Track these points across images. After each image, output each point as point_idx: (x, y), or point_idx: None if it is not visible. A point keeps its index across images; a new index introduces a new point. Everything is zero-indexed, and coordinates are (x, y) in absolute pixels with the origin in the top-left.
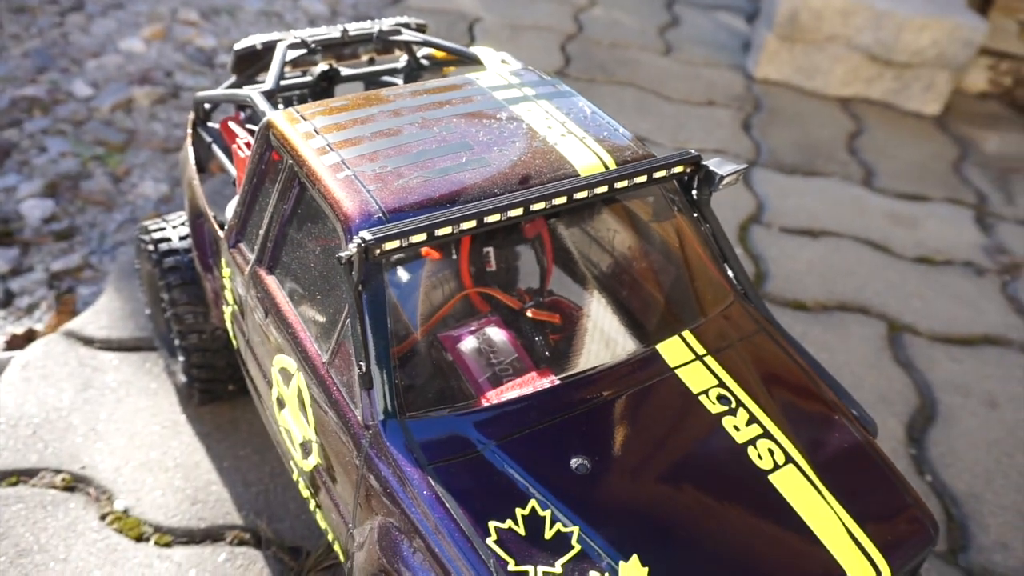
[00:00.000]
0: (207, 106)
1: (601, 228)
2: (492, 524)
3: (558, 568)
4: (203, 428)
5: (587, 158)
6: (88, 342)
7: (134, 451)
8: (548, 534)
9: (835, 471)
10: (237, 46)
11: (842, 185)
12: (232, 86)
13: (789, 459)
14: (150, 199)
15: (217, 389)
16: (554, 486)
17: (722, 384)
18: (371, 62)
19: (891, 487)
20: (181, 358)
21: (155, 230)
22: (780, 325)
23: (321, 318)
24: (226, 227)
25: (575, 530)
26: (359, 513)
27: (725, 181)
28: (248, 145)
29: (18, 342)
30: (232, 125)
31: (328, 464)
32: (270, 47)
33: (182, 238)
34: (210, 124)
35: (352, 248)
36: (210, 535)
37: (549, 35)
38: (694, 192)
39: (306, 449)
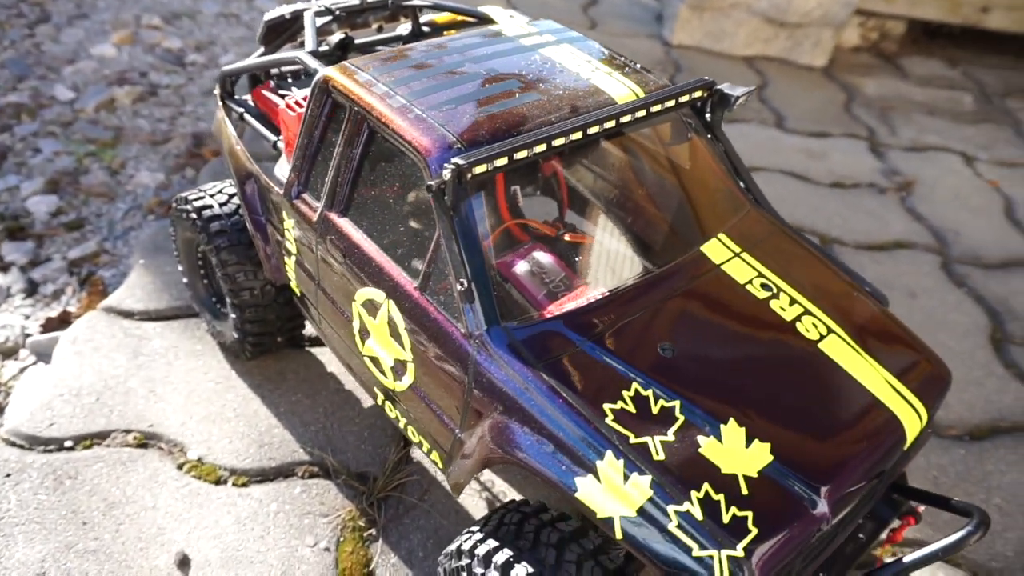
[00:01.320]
0: (232, 80)
1: (617, 159)
2: (606, 407)
3: (671, 436)
4: (254, 380)
5: (619, 89)
6: (128, 315)
7: (194, 406)
8: (655, 409)
9: (866, 336)
10: (267, 16)
11: (760, 128)
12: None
13: (830, 330)
14: (149, 187)
15: (267, 342)
16: (649, 369)
17: (761, 275)
18: (379, 30)
19: (911, 345)
20: (233, 315)
21: (195, 199)
22: (787, 223)
23: (406, 249)
24: (285, 182)
25: (676, 404)
26: (467, 417)
27: (739, 102)
28: (299, 103)
29: (53, 324)
30: (267, 93)
31: (428, 379)
32: (297, 16)
33: (223, 204)
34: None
35: (446, 174)
36: (282, 472)
37: None
38: (707, 115)
39: (398, 371)
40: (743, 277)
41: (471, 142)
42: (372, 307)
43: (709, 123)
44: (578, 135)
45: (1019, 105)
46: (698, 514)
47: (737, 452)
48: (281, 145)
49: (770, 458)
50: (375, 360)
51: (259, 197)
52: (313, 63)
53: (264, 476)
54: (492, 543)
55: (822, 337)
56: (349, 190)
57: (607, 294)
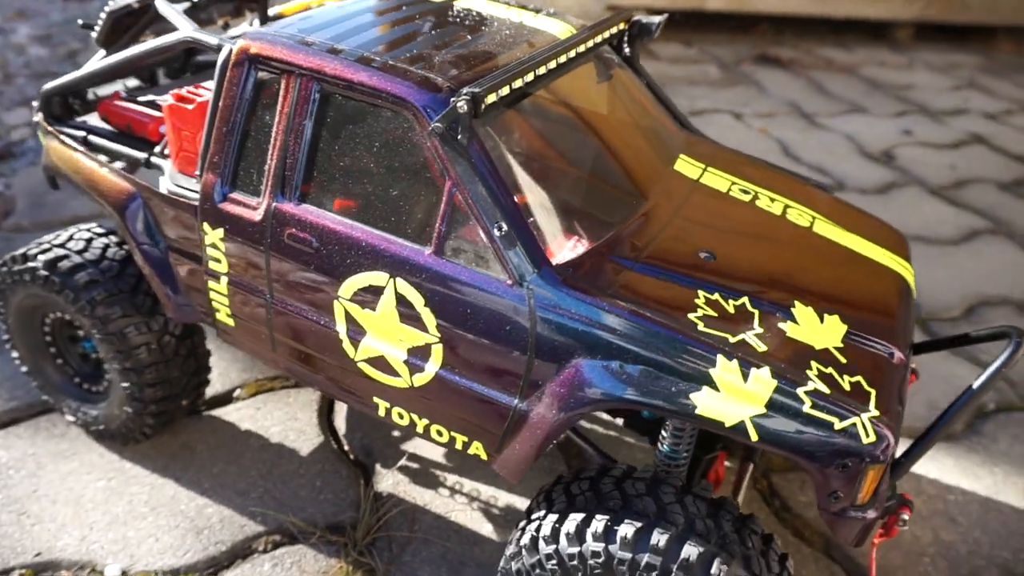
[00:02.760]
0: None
1: (575, 99)
2: (690, 316)
3: (759, 329)
4: (157, 464)
5: (554, 26)
6: None
7: (90, 515)
8: (731, 310)
9: (839, 217)
10: (111, 7)
11: None
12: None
13: (814, 217)
14: None
15: (171, 408)
16: (704, 276)
17: (734, 183)
18: (225, 27)
19: (870, 218)
20: (123, 385)
21: (39, 253)
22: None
23: (400, 217)
24: (200, 188)
25: (744, 300)
26: (528, 380)
27: (658, 30)
28: (192, 94)
29: None
30: (124, 104)
31: (464, 356)
32: (146, 6)
33: (82, 251)
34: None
35: (461, 106)
36: (238, 554)
37: None
38: (627, 50)
39: (416, 361)
40: (722, 187)
41: (460, 82)
42: (369, 296)
43: (629, 58)
44: (564, 58)
45: (752, 69)
46: (824, 389)
47: (817, 329)
48: (158, 160)
49: (844, 327)
50: (377, 360)
51: (153, 221)
52: (214, 39)
53: (217, 565)
54: (576, 517)
55: (812, 223)
56: (304, 172)
57: (628, 220)
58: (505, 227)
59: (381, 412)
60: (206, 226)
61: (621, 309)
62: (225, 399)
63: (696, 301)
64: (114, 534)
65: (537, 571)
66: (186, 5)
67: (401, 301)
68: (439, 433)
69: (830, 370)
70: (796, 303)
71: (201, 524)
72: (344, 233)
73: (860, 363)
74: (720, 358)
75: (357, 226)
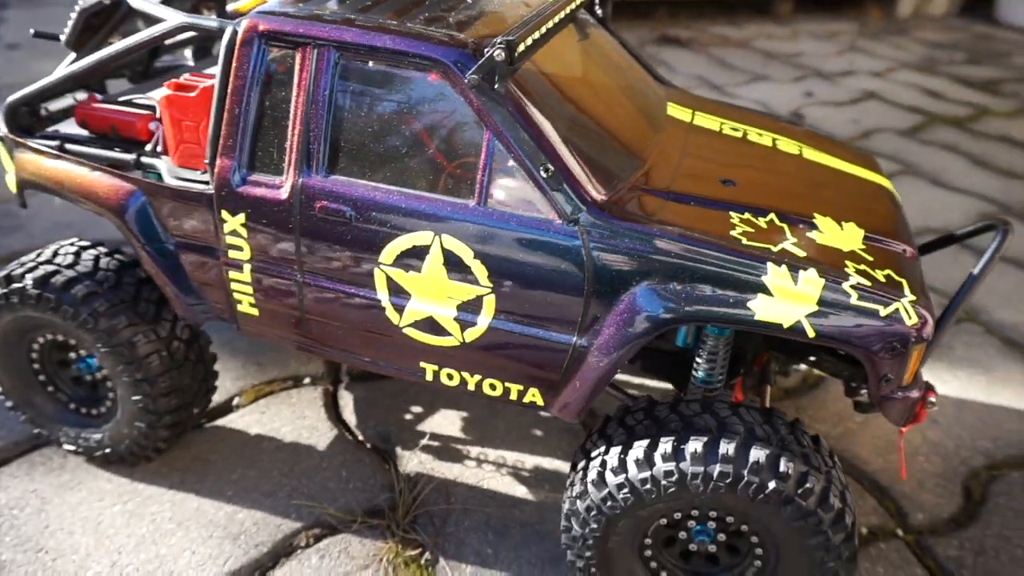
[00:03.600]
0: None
1: (571, 56)
2: (732, 234)
3: (793, 238)
4: (172, 480)
5: None
6: None
7: (115, 539)
8: (763, 225)
9: (817, 144)
10: (83, 4)
11: None
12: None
13: (800, 145)
14: None
15: (185, 418)
16: (730, 200)
17: (723, 122)
18: None
19: (842, 144)
20: (134, 399)
21: (27, 272)
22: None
23: (435, 175)
24: (216, 174)
25: (772, 216)
26: (587, 314)
27: None
28: (189, 82)
29: None
30: (105, 105)
31: (519, 301)
32: (116, 4)
33: (72, 264)
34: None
35: (498, 54)
36: (281, 552)
37: None
38: (599, 11)
39: (467, 316)
40: (714, 126)
41: (480, 37)
42: (412, 258)
43: (601, 19)
44: (564, 13)
45: (656, 50)
46: (865, 282)
47: (839, 234)
48: (150, 159)
49: (861, 231)
50: (425, 322)
51: (158, 219)
52: (213, 21)
53: (263, 567)
54: (641, 444)
55: (800, 151)
56: (330, 144)
57: (647, 158)
58: (551, 168)
59: (429, 376)
60: (225, 213)
61: (672, 234)
62: (225, 409)
63: (731, 220)
64: (146, 554)
65: (608, 504)
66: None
67: (449, 257)
68: (492, 387)
69: (863, 267)
70: (815, 214)
71: (235, 530)
72: (381, 198)
73: (884, 259)
74: (770, 265)
75: (394, 189)
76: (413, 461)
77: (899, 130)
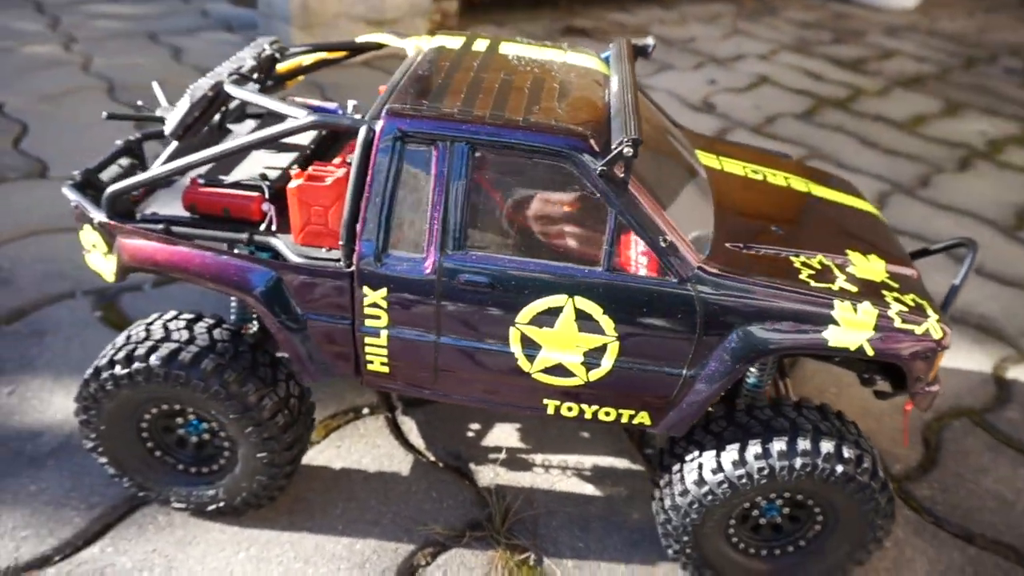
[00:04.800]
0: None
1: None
2: (800, 277)
3: (840, 275)
4: (280, 523)
5: (590, 60)
6: (47, 562)
7: None
8: (817, 266)
9: (814, 178)
10: (195, 97)
11: None
12: (176, 152)
13: (807, 183)
14: None
15: (298, 464)
16: (786, 245)
17: (744, 166)
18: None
19: (830, 175)
20: (259, 455)
21: (148, 352)
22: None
23: (564, 245)
24: (359, 253)
25: (819, 256)
26: (697, 353)
27: (652, 51)
28: (322, 170)
29: None
30: (214, 189)
31: (639, 345)
32: (219, 92)
33: (190, 340)
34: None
35: (627, 151)
36: (406, 573)
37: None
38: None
39: (593, 360)
40: (739, 171)
41: (592, 128)
42: (547, 316)
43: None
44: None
45: (561, 41)
46: (904, 308)
47: (868, 267)
48: (263, 238)
49: (883, 262)
50: (554, 368)
51: (290, 294)
52: (346, 120)
53: None
54: (733, 447)
55: (808, 188)
56: (467, 224)
57: (716, 213)
58: (668, 239)
59: (550, 411)
60: (366, 289)
61: (760, 284)
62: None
63: (795, 265)
64: None
65: (709, 498)
66: (252, 86)
67: (580, 315)
68: (607, 414)
69: (895, 294)
70: (846, 250)
71: (359, 560)
72: (519, 270)
73: (905, 285)
74: (836, 302)
75: (530, 261)
76: (489, 475)
77: (795, 114)
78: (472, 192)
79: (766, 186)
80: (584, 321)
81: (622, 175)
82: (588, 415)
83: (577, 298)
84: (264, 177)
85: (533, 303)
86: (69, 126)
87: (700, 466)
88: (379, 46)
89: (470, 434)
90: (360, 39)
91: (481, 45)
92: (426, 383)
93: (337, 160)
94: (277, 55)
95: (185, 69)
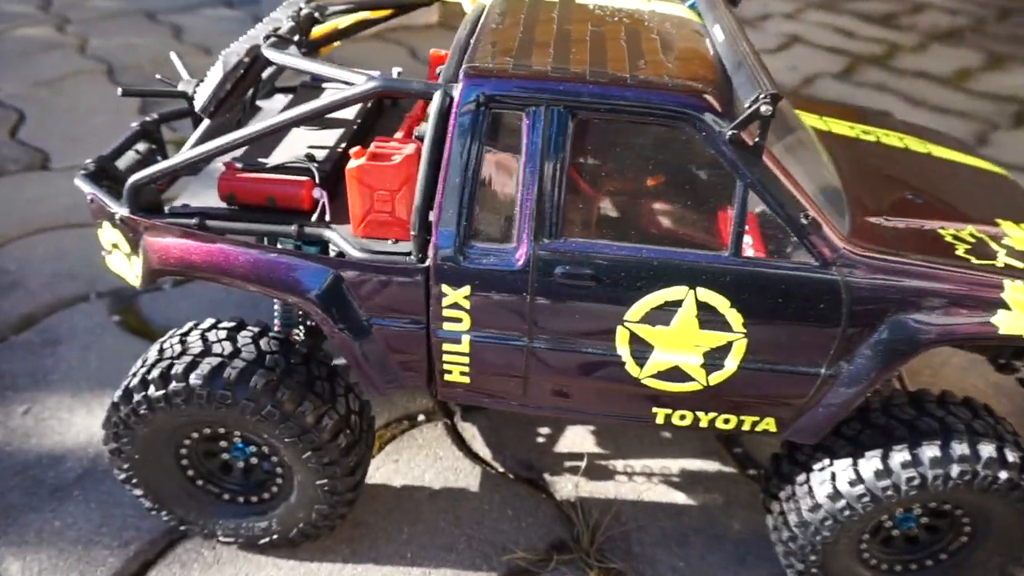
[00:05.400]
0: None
1: None
2: (958, 253)
3: (999, 248)
4: (341, 553)
5: (679, 8)
6: None
7: None
8: (970, 239)
9: (930, 138)
10: (227, 67)
11: None
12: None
13: (923, 142)
14: None
15: (361, 487)
16: (930, 216)
17: (853, 128)
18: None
19: (941, 133)
20: (321, 482)
21: (185, 372)
22: None
23: (687, 225)
24: (434, 246)
25: (969, 228)
26: (839, 349)
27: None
28: (384, 148)
29: None
30: (256, 175)
31: (772, 343)
32: (256, 55)
33: (236, 354)
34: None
35: (764, 109)
36: None
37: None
38: None
39: (715, 361)
40: (850, 132)
41: (709, 82)
42: (663, 312)
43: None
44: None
45: None
46: None
47: (1022, 237)
48: (316, 230)
49: None
50: (668, 372)
51: (351, 297)
52: (415, 83)
53: None
54: (874, 454)
55: (929, 150)
56: (566, 206)
57: (847, 182)
58: (810, 215)
59: (659, 420)
60: (445, 287)
61: (918, 264)
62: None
63: (946, 240)
64: None
65: (846, 512)
66: (293, 50)
67: (703, 308)
68: (726, 421)
69: None
70: (998, 220)
71: None
72: (630, 258)
73: None
74: (1006, 282)
75: (643, 247)
76: (567, 487)
77: (833, 74)
78: (572, 168)
79: (883, 148)
80: (707, 316)
81: (756, 139)
82: (704, 423)
83: (699, 290)
84: (311, 158)
85: (646, 297)
86: (69, 112)
87: (833, 476)
88: (429, 1)
89: (540, 439)
90: None
91: None
92: (514, 394)
93: (399, 134)
94: (317, 15)
95: (187, 47)
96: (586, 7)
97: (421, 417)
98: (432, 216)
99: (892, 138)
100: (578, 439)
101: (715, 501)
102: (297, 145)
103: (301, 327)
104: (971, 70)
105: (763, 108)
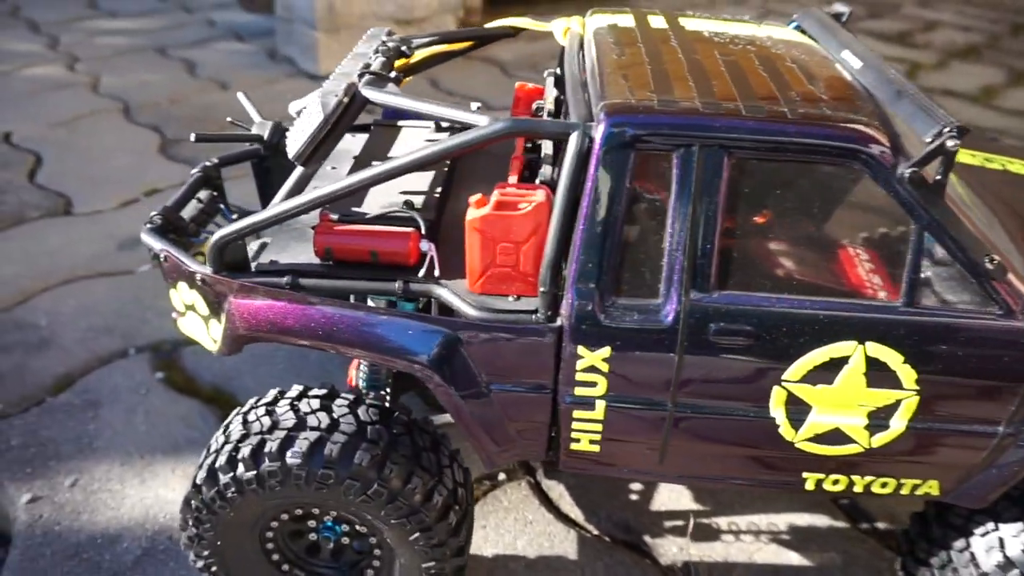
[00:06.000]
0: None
1: None
2: None
3: None
4: None
5: (790, 33)
6: None
7: None
8: None
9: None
10: (327, 109)
11: None
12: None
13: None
14: None
15: (466, 567)
16: None
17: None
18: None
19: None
20: (428, 565)
21: (278, 450)
22: None
23: (857, 271)
24: (570, 313)
25: None
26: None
27: (846, 17)
28: (513, 195)
29: None
30: (355, 227)
31: (946, 400)
32: (353, 93)
33: (333, 427)
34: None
35: (950, 144)
36: None
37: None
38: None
39: (881, 421)
40: (976, 161)
41: (870, 115)
42: (825, 371)
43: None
44: None
45: None
46: None
47: None
48: (423, 286)
49: None
50: (826, 435)
51: (472, 361)
52: (550, 123)
53: None
54: None
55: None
56: (720, 256)
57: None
58: (995, 259)
59: (809, 485)
60: (581, 349)
61: None
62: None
63: None
64: None
65: None
66: (392, 87)
67: (872, 365)
68: (883, 485)
69: None
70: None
71: None
72: (791, 311)
73: None
74: None
75: (807, 299)
76: (672, 550)
77: None
78: (728, 213)
79: (1012, 176)
80: (876, 373)
81: (938, 177)
82: (858, 488)
83: (869, 344)
84: (410, 205)
85: (809, 355)
86: (87, 153)
87: (1001, 543)
88: (512, 32)
89: (633, 496)
90: (493, 24)
91: (659, 22)
92: (649, 463)
93: (512, 178)
94: (404, 48)
95: (202, 83)
96: (700, 33)
97: (502, 476)
98: (567, 270)
99: (1017, 165)
100: (674, 495)
101: (832, 561)
102: (384, 191)
103: (387, 389)
104: (996, 87)
105: (949, 143)
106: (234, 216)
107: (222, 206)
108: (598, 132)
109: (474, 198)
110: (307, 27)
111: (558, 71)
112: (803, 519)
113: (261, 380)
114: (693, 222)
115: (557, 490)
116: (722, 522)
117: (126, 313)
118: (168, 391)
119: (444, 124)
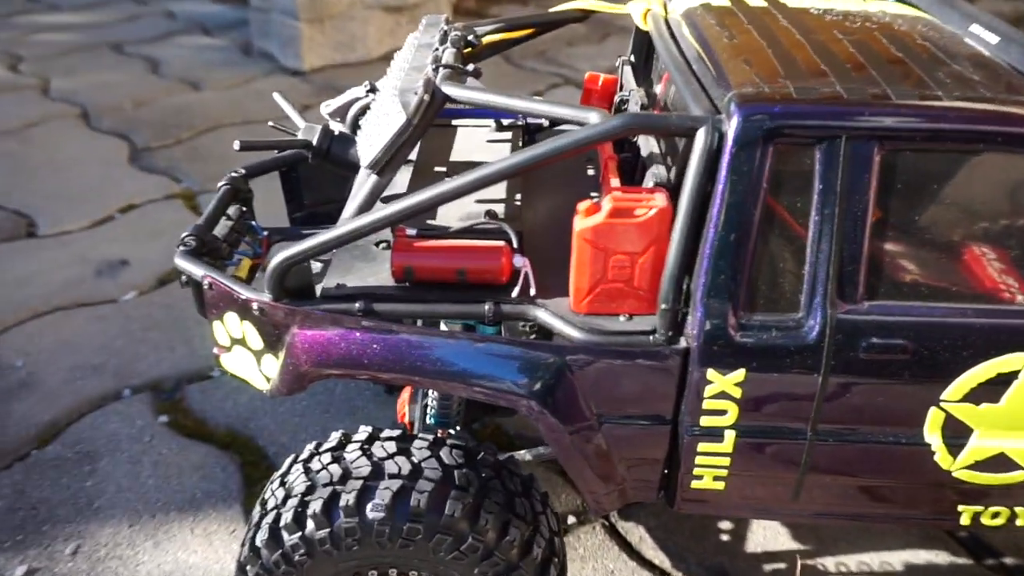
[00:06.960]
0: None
1: None
2: None
3: None
4: None
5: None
6: None
7: None
8: None
9: None
10: (410, 112)
11: None
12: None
13: None
14: None
15: None
16: None
17: None
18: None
19: None
20: None
21: (356, 505)
22: None
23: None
24: (698, 332)
25: None
26: None
27: None
28: (624, 201)
29: None
30: (438, 244)
31: None
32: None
33: (414, 473)
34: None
35: None
36: None
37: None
38: None
39: None
40: None
41: None
42: (991, 388)
43: None
44: None
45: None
46: None
47: None
48: (516, 307)
49: None
50: (989, 461)
51: (581, 384)
52: (674, 117)
53: None
54: None
55: None
56: (871, 262)
57: None
58: None
59: (965, 520)
60: (712, 372)
61: None
62: None
63: None
64: None
65: None
66: (473, 82)
67: None
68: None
69: None
70: None
71: None
72: (953, 323)
73: None
74: None
75: (969, 308)
76: None
77: None
78: (879, 213)
79: None
80: None
81: None
82: (1020, 521)
83: None
84: (493, 215)
85: (972, 370)
86: (47, 166)
87: None
88: (582, 16)
89: (724, 537)
90: (560, 8)
91: None
92: (781, 501)
93: (614, 181)
94: (471, 37)
95: (170, 83)
96: (807, 11)
97: (572, 520)
98: (695, 283)
99: None
100: (770, 534)
101: None
102: (463, 204)
103: (458, 426)
104: None
105: None
106: (265, 233)
107: (252, 223)
108: (731, 126)
109: (583, 205)
110: (287, 17)
111: (633, 59)
112: (919, 556)
113: (282, 420)
114: (838, 224)
115: (636, 533)
116: (829, 563)
117: (114, 348)
118: (176, 437)
119: (505, 122)
